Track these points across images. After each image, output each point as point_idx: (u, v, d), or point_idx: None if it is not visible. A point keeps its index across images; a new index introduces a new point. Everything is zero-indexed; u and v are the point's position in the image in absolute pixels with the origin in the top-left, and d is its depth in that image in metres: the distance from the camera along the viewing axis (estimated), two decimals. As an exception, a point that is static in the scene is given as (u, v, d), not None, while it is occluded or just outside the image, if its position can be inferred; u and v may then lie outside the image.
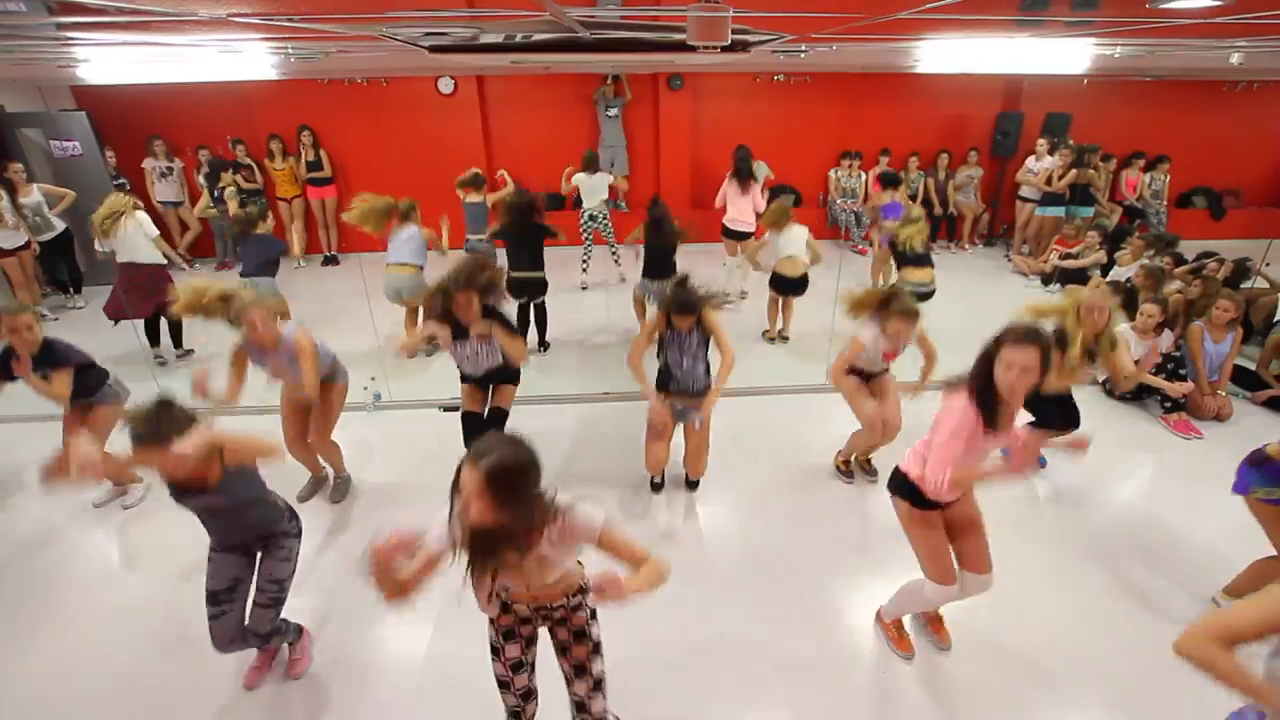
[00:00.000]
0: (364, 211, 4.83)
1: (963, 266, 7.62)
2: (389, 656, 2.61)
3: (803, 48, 4.38)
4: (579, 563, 1.86)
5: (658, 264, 4.94)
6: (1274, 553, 2.61)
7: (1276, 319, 4.98)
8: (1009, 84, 8.22)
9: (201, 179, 7.24)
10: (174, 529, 3.17)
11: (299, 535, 2.42)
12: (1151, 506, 3.49)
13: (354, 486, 3.65)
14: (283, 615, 2.40)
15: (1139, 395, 4.47)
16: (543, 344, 5.38)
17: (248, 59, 4.51)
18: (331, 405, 3.38)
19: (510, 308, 3.63)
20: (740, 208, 5.96)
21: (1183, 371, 4.26)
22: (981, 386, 1.96)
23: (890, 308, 3.10)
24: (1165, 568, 3.03)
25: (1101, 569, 3.02)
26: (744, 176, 5.93)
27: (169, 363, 5.19)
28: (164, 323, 5.16)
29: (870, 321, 3.21)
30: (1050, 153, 7.40)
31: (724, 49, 1.99)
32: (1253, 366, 4.67)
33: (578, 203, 6.46)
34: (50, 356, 3.11)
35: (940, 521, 2.30)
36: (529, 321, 5.25)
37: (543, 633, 1.92)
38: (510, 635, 1.84)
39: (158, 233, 5.01)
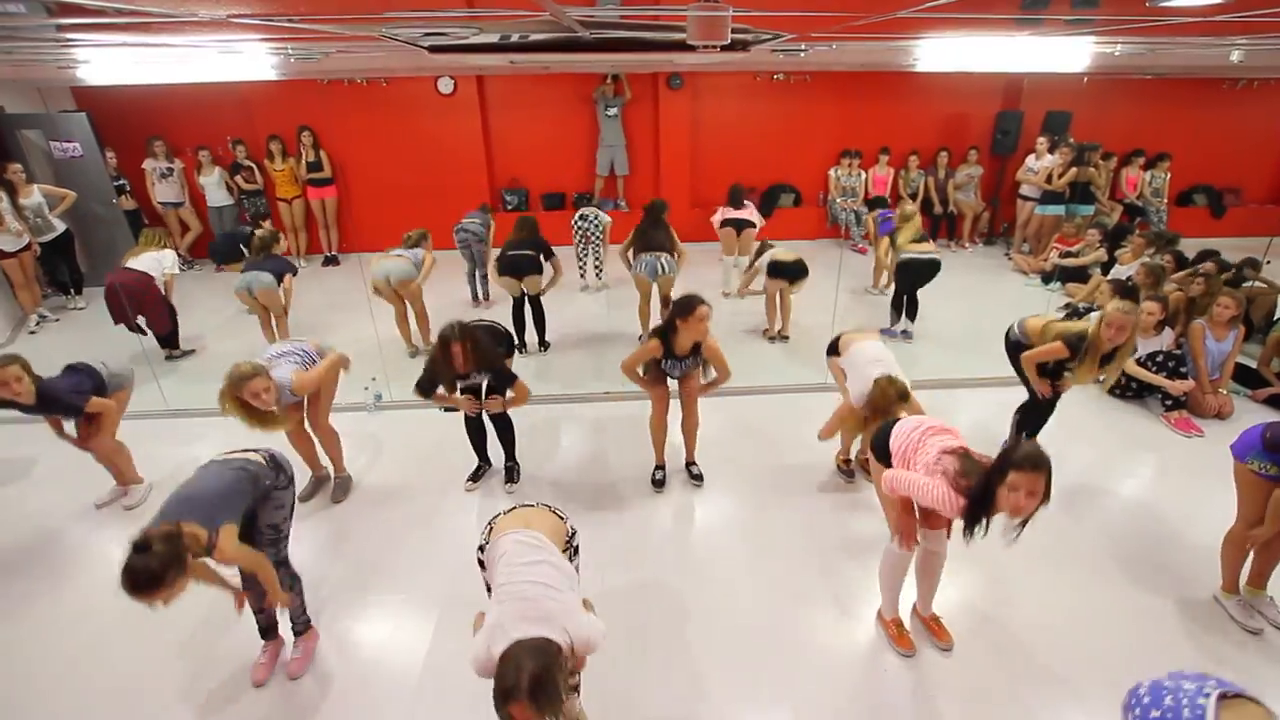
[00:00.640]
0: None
1: (963, 265, 7.61)
2: (389, 656, 2.62)
3: (802, 46, 4.38)
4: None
5: (648, 237, 5.06)
6: (1233, 528, 2.72)
7: (1277, 317, 4.97)
8: (1009, 82, 8.21)
9: (210, 181, 7.31)
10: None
11: (290, 484, 2.46)
12: (1152, 504, 3.48)
13: (354, 486, 3.66)
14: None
15: (1140, 394, 4.46)
16: (543, 343, 5.39)
17: (248, 59, 4.52)
18: (324, 395, 3.39)
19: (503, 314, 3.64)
20: (733, 212, 6.23)
21: (1184, 369, 4.25)
22: (978, 499, 2.01)
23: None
24: (1166, 565, 3.03)
25: (1102, 567, 3.02)
26: (737, 204, 6.26)
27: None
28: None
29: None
30: (1050, 151, 7.39)
31: (723, 48, 1.99)
32: (1254, 364, 4.66)
33: (576, 203, 6.48)
34: (51, 405, 3.14)
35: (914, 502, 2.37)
36: (524, 320, 5.26)
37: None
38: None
39: (177, 273, 5.23)
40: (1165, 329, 4.48)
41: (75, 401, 3.18)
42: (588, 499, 3.51)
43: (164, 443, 4.00)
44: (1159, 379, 4.20)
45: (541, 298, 5.26)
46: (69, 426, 3.39)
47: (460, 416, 3.51)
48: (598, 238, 6.35)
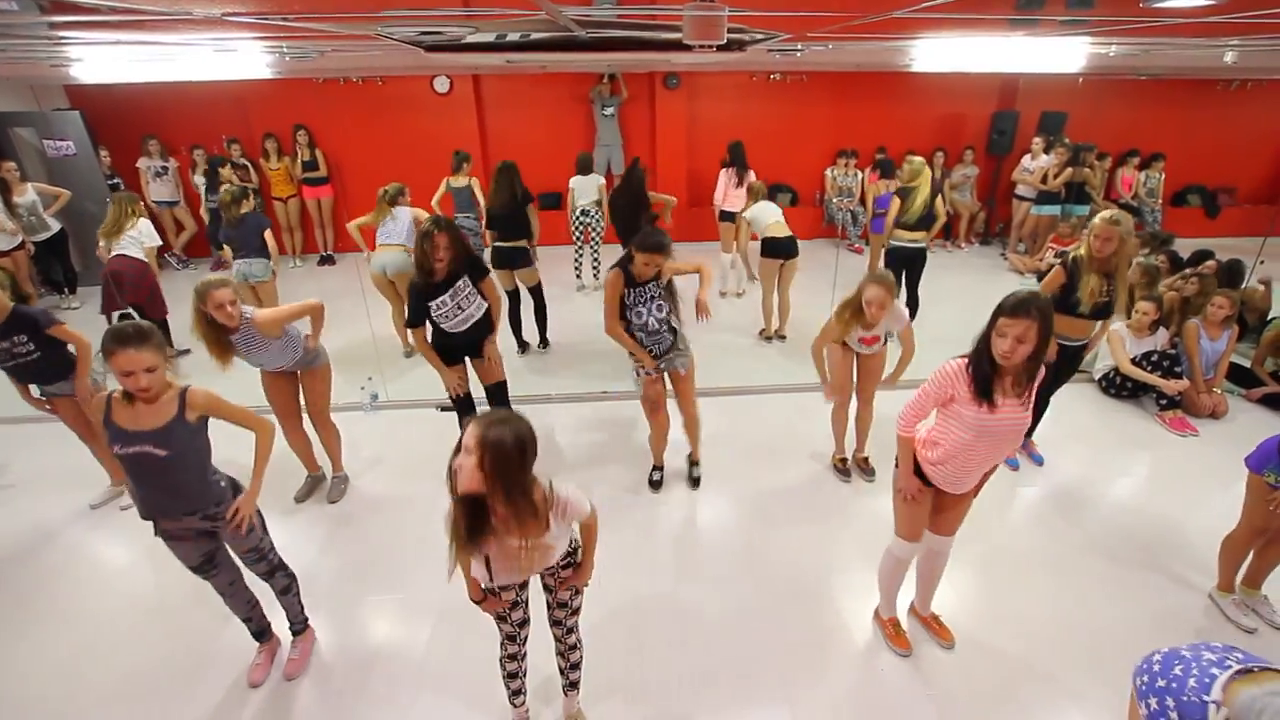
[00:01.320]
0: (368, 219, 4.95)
1: (958, 265, 7.63)
2: (388, 656, 2.61)
3: (798, 46, 4.38)
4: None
5: (629, 223, 4.92)
6: (1231, 533, 2.72)
7: (1271, 316, 5.00)
8: (1004, 83, 8.24)
9: (199, 179, 7.21)
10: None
11: None
12: (1147, 504, 3.50)
13: (351, 487, 3.64)
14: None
15: (1135, 393, 4.48)
16: (543, 342, 5.37)
17: (243, 58, 4.50)
18: (317, 388, 3.37)
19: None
20: (735, 194, 6.19)
21: (1178, 369, 4.27)
22: (978, 353, 2.03)
23: (863, 281, 3.16)
24: (1161, 565, 3.04)
25: (1097, 566, 3.03)
26: (740, 167, 6.15)
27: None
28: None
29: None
30: (1046, 151, 7.42)
31: (720, 48, 1.99)
32: (1248, 364, 4.69)
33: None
34: (23, 320, 3.03)
35: (929, 499, 2.35)
36: (520, 316, 5.23)
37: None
38: (516, 605, 1.98)
39: (158, 244, 5.00)
40: (1160, 329, 4.51)
41: (50, 316, 3.11)
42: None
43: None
44: (1154, 378, 4.22)
45: (544, 288, 5.20)
46: (35, 391, 3.28)
47: (454, 418, 3.50)
48: (596, 237, 6.35)
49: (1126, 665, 2.50)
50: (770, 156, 8.41)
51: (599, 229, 6.29)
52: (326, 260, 7.84)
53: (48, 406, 3.31)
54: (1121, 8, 3.24)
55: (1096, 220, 3.14)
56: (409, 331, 3.29)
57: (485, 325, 3.35)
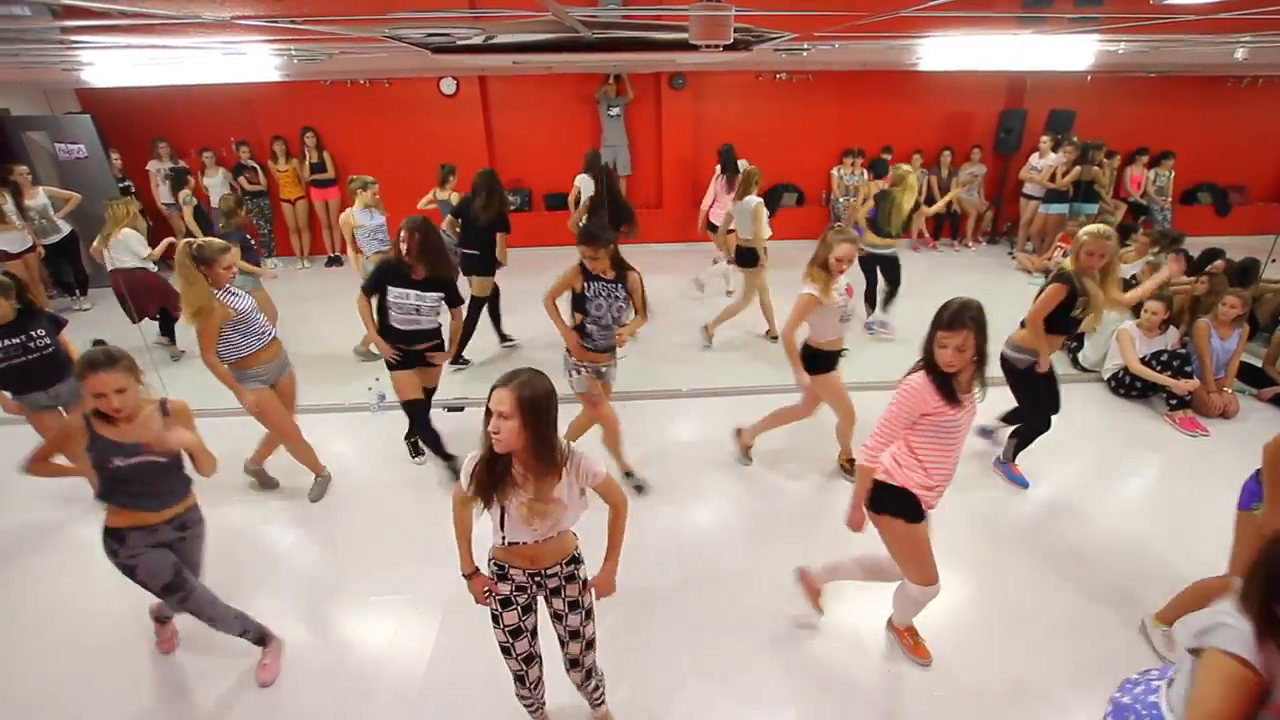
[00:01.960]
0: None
1: (966, 264, 7.60)
2: (394, 656, 2.62)
3: (805, 46, 4.38)
4: (574, 533, 1.95)
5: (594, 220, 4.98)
6: (1221, 574, 2.45)
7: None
8: (1012, 81, 8.20)
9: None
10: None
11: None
12: (1157, 504, 3.47)
13: (356, 486, 3.65)
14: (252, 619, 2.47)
15: (1144, 393, 4.45)
16: (504, 339, 5.36)
17: (251, 61, 4.54)
18: (291, 393, 3.45)
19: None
20: (726, 203, 5.99)
21: (1188, 369, 4.24)
22: (931, 362, 2.09)
23: (827, 239, 3.11)
24: (1171, 566, 3.01)
25: (1107, 567, 3.01)
26: (731, 172, 5.95)
27: (184, 355, 5.32)
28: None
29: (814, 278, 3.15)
30: (1054, 150, 7.38)
31: (726, 48, 1.99)
32: (1259, 363, 4.65)
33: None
34: (37, 318, 3.10)
35: (927, 532, 2.28)
36: (476, 319, 5.08)
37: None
38: (508, 603, 1.91)
39: (147, 253, 4.99)
40: (1170, 328, 4.47)
41: (58, 317, 3.21)
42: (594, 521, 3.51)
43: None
44: (1164, 378, 4.18)
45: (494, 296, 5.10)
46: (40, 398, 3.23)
47: (458, 418, 3.50)
48: None
49: (1135, 666, 2.49)
50: (776, 156, 8.40)
51: None
52: (334, 261, 7.89)
53: (25, 413, 3.25)
54: (1130, 5, 3.22)
55: (1081, 234, 3.07)
56: (358, 299, 3.33)
57: (431, 338, 3.39)
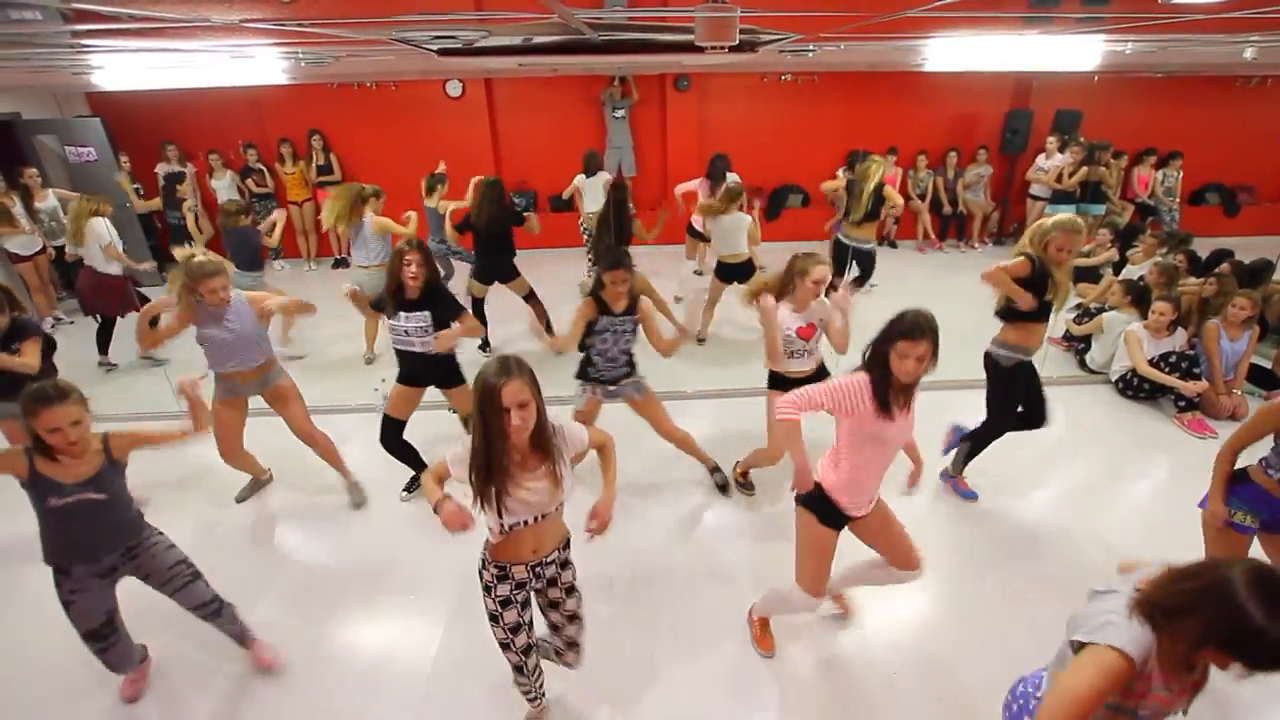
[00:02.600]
0: (334, 208, 4.65)
1: (972, 265, 7.54)
2: (399, 656, 2.63)
3: (810, 47, 4.38)
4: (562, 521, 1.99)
5: (601, 240, 4.97)
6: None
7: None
8: (1018, 81, 8.17)
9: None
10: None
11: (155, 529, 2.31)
12: (1165, 507, 3.45)
13: (362, 486, 3.66)
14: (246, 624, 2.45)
15: (1152, 395, 4.42)
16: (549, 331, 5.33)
17: (259, 64, 4.57)
18: (292, 407, 3.33)
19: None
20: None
21: (1197, 370, 4.21)
22: (879, 371, 2.01)
23: (796, 265, 2.92)
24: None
25: (1113, 569, 2.99)
26: (717, 180, 5.94)
27: (117, 368, 5.17)
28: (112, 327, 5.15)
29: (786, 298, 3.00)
30: (1061, 150, 7.35)
31: (732, 49, 1.99)
32: (1269, 365, 4.61)
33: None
34: (24, 332, 3.03)
35: (834, 543, 2.26)
36: (485, 317, 5.08)
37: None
38: (508, 603, 1.92)
39: (109, 241, 4.86)
40: (1178, 329, 4.45)
41: (36, 331, 3.08)
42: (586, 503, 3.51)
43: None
44: (1172, 380, 4.16)
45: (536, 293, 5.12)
46: None
47: (382, 417, 3.41)
48: (589, 235, 6.35)
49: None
50: (781, 157, 8.40)
51: None
52: (340, 263, 7.92)
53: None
54: (1138, 4, 3.21)
55: (1055, 228, 2.86)
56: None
57: (435, 358, 3.23)
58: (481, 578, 1.93)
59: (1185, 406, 4.21)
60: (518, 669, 2.03)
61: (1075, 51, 4.68)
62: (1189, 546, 3.12)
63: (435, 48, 2.70)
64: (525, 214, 4.96)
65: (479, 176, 4.97)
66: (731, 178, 5.87)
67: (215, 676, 2.53)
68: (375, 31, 3.08)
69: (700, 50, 2.04)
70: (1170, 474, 3.79)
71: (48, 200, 6.11)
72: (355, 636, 2.73)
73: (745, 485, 3.55)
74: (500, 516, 1.76)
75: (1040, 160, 7.55)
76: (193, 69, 4.52)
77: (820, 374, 3.13)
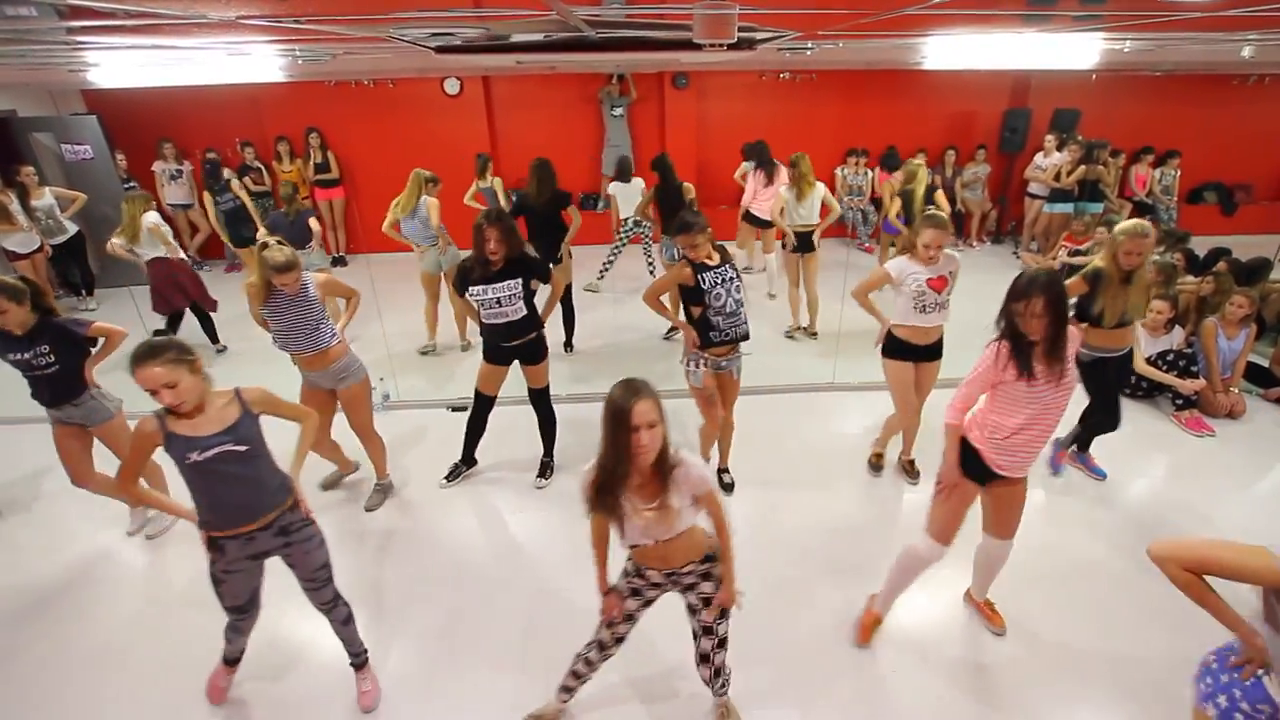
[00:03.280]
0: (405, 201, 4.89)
1: (970, 264, 7.51)
2: (401, 658, 2.63)
3: (809, 45, 4.37)
4: (703, 530, 1.95)
5: (670, 214, 5.00)
6: None
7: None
8: (1016, 80, 8.17)
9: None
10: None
11: (314, 520, 2.24)
12: (1163, 505, 3.46)
13: (368, 486, 3.66)
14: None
15: (1150, 393, 4.43)
16: (568, 345, 5.31)
17: (256, 61, 4.55)
18: (358, 400, 3.33)
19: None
20: (765, 198, 6.00)
21: (1194, 368, 4.22)
22: (1007, 334, 2.16)
23: (914, 229, 3.15)
24: (1177, 566, 3.00)
25: (1113, 568, 3.00)
26: (769, 168, 6.00)
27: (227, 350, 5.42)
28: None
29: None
30: (1059, 149, 7.35)
31: (730, 46, 1.98)
32: (1266, 363, 4.62)
33: (583, 204, 6.42)
34: (46, 331, 2.85)
35: (973, 498, 2.36)
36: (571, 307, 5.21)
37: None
38: (637, 593, 1.98)
39: (156, 222, 5.01)
40: (1175, 327, 4.45)
41: (76, 329, 2.93)
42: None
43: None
44: (1170, 378, 4.16)
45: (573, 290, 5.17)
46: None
47: (473, 399, 3.51)
48: (649, 240, 6.32)
49: (1139, 667, 2.48)
50: (779, 155, 8.34)
51: (649, 234, 6.22)
52: (339, 261, 7.90)
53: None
54: (1136, 2, 3.21)
55: (1120, 231, 2.99)
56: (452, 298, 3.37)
57: (527, 328, 3.30)
58: (625, 563, 1.99)
59: (1183, 405, 4.22)
60: (599, 644, 2.06)
61: (1073, 50, 4.68)
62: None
63: (432, 45, 2.69)
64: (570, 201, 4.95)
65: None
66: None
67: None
68: (372, 29, 3.07)
69: (698, 48, 2.03)
70: (1168, 472, 3.80)
71: (44, 198, 6.09)
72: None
73: (912, 474, 3.63)
74: (623, 535, 1.80)
75: (1038, 159, 7.56)
76: (189, 66, 4.50)
77: (938, 346, 3.31)
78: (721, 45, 1.95)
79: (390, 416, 4.42)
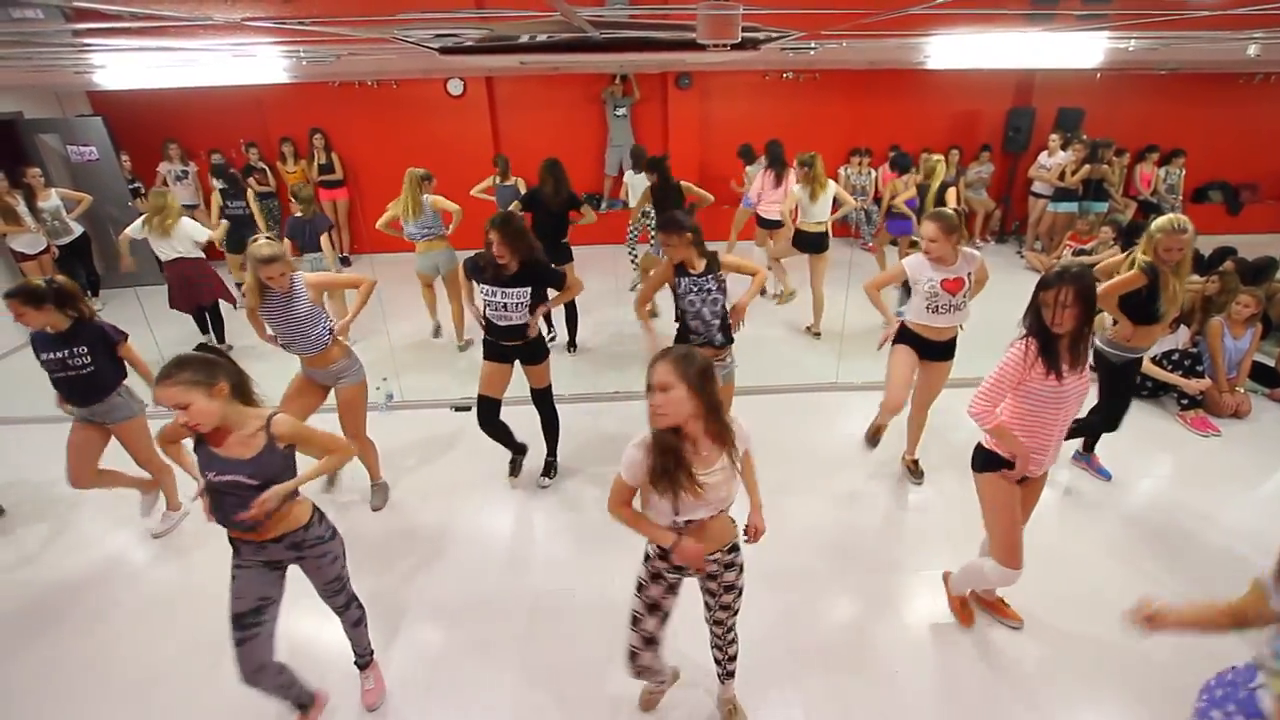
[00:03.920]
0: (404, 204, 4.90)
1: (974, 263, 7.56)
2: (406, 653, 2.63)
3: (812, 45, 4.37)
4: (731, 520, 1.99)
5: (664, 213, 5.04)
6: None
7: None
8: (1020, 79, 8.15)
9: (215, 182, 7.27)
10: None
11: (335, 537, 2.20)
12: (1168, 505, 3.44)
13: (369, 488, 3.66)
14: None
15: (1155, 392, 4.41)
16: (572, 345, 5.32)
17: (261, 63, 4.57)
18: (355, 403, 3.32)
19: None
20: (774, 199, 6.01)
21: (1200, 368, 4.20)
22: (1034, 330, 2.15)
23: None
24: (1182, 568, 2.99)
25: (1117, 568, 2.99)
26: (779, 169, 5.99)
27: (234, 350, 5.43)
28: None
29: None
30: (1063, 148, 7.33)
31: (734, 47, 1.98)
32: (1272, 363, 4.60)
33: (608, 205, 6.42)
34: (82, 331, 2.89)
35: (1018, 499, 2.34)
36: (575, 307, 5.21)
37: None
38: (657, 577, 1.97)
39: (206, 238, 5.14)
40: (1181, 327, 4.44)
41: (111, 334, 2.98)
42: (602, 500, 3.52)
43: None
44: (1175, 378, 4.15)
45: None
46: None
47: (469, 417, 3.50)
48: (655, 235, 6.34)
49: (1141, 667, 2.47)
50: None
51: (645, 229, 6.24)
52: (343, 262, 7.92)
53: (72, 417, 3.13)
54: (1142, 1, 3.20)
55: (1159, 231, 2.94)
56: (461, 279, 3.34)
57: (527, 332, 3.29)
58: (647, 547, 1.99)
59: (1188, 404, 4.20)
60: (631, 654, 2.02)
61: (1078, 49, 4.66)
62: (1194, 546, 3.12)
63: (436, 46, 2.69)
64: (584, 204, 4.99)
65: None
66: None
67: (219, 673, 2.54)
68: (376, 30, 3.08)
69: (702, 48, 2.03)
70: (1173, 472, 3.78)
71: (50, 199, 6.12)
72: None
73: (915, 473, 3.62)
74: (676, 513, 1.79)
75: (1043, 158, 7.54)
76: (195, 68, 4.52)
77: (951, 346, 3.26)
78: (725, 45, 1.95)
79: (394, 417, 4.43)
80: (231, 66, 4.63)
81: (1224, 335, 4.27)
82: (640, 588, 2.00)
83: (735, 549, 2.01)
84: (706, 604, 2.10)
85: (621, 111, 7.91)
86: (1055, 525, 3.27)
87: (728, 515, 1.95)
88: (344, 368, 3.25)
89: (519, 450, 3.66)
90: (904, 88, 8.04)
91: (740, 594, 2.08)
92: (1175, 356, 4.26)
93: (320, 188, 7.66)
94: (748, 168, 7.13)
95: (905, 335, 3.29)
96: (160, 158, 7.35)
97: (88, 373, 2.93)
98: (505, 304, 3.17)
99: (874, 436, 3.66)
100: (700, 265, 3.06)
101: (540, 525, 3.34)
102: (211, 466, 1.91)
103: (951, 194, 5.61)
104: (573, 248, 5.07)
